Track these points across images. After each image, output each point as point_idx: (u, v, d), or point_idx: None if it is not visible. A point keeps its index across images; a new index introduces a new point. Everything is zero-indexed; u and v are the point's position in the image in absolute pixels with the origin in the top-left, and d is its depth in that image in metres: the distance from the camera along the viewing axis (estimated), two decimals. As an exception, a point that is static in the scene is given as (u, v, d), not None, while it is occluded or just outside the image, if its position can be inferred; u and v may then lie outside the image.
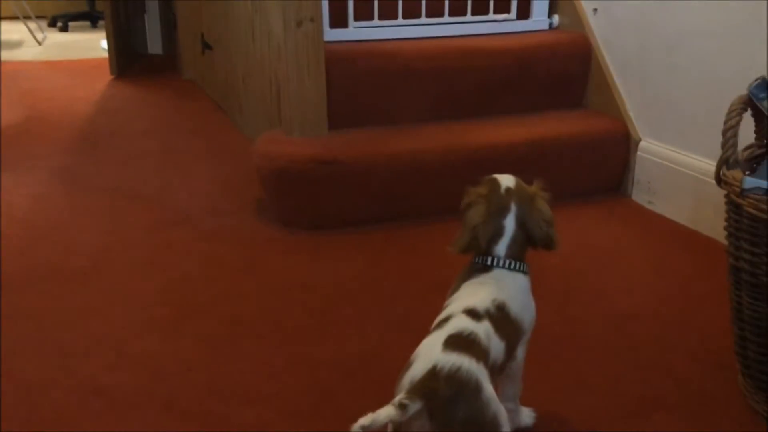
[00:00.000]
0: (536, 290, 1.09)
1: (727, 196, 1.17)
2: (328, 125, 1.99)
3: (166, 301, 1.53)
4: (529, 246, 1.09)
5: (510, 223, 1.07)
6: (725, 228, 1.20)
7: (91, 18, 5.82)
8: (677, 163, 1.96)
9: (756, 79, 1.21)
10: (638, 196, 2.11)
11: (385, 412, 0.85)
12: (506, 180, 1.12)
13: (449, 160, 1.96)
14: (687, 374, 1.30)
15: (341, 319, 1.47)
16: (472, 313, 0.99)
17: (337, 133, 1.98)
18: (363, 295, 1.56)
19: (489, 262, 1.06)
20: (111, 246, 1.77)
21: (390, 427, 0.92)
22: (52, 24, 5.69)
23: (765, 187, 1.04)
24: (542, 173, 2.02)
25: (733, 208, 1.15)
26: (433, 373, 0.89)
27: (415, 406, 0.86)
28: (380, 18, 2.19)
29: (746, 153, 1.25)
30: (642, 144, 2.09)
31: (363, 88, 2.05)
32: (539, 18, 2.36)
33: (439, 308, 1.04)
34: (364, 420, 0.83)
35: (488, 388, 0.92)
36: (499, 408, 0.92)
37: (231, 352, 1.35)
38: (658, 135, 2.04)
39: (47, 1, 5.87)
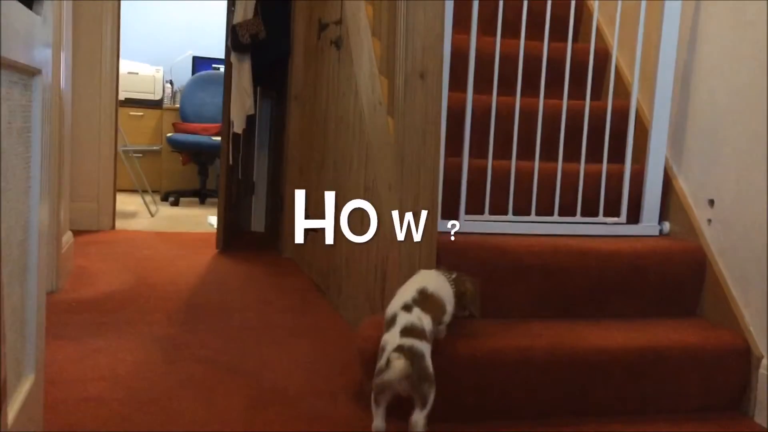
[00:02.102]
0: None
1: None
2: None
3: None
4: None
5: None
6: None
7: (200, 195, 6.23)
8: (808, 385, 1.82)
9: None
10: (762, 418, 1.95)
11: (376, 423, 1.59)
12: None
13: (556, 360, 1.89)
14: None
15: None
16: (407, 307, 1.64)
17: (443, 324, 1.96)
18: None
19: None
20: (209, 421, 1.74)
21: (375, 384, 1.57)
22: (164, 198, 6.11)
23: None
24: (654, 383, 1.95)
25: None
26: (400, 348, 1.55)
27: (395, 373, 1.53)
28: (490, 213, 2.23)
29: None
30: (765, 362, 1.96)
31: (471, 280, 2.05)
32: (649, 224, 2.35)
33: None
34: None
35: (428, 357, 1.57)
36: (431, 369, 1.57)
37: None
38: (784, 353, 1.92)
39: (162, 176, 6.35)
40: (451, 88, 2.19)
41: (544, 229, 2.26)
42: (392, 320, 1.63)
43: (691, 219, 2.27)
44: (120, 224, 4.52)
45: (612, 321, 2.10)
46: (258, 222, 4.73)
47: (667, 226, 2.36)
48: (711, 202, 2.20)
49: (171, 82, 6.78)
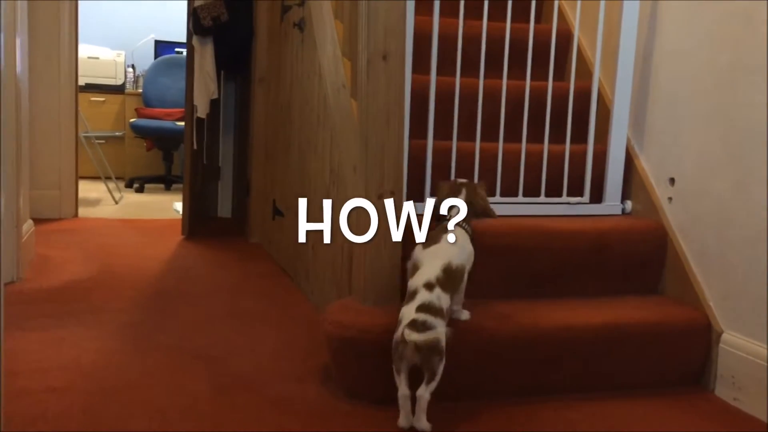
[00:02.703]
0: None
1: None
2: (402, 296, 1.97)
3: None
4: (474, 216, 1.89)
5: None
6: None
7: (165, 181, 6.15)
8: (764, 358, 1.86)
9: None
10: (722, 391, 1.99)
11: (401, 388, 1.63)
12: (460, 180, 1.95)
13: (522, 340, 1.91)
14: None
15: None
16: (429, 286, 1.68)
17: (409, 306, 1.96)
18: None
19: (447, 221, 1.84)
20: (176, 408, 1.72)
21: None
22: (129, 185, 6.03)
23: None
24: (618, 359, 1.98)
25: None
26: (414, 321, 1.61)
27: (414, 337, 1.60)
28: (456, 195, 2.24)
29: None
30: (724, 336, 2.00)
31: (437, 262, 2.05)
32: (612, 203, 2.38)
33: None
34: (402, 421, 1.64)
35: (441, 332, 1.64)
36: (443, 344, 1.63)
37: None
38: (742, 328, 1.96)
39: (126, 163, 6.26)
40: (414, 70, 2.19)
41: (509, 210, 2.26)
42: (413, 295, 1.69)
43: (652, 197, 2.30)
44: (83, 212, 4.45)
45: (576, 299, 2.12)
46: (224, 207, 4.69)
47: (629, 204, 2.39)
48: (672, 181, 2.23)
49: (133, 67, 6.67)
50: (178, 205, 4.50)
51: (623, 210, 2.39)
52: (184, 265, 3.28)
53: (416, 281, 1.72)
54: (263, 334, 2.34)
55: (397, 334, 1.64)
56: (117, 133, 6.19)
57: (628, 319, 2.03)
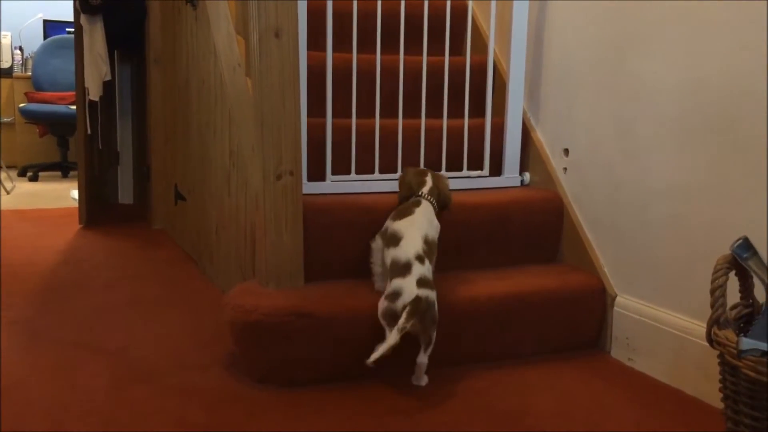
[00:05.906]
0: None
1: (720, 356, 1.14)
2: (304, 277, 1.96)
3: (127, 467, 1.41)
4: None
5: (429, 180, 1.98)
6: (721, 390, 1.16)
7: (61, 168, 5.88)
8: (655, 319, 1.95)
9: (738, 239, 1.23)
10: (617, 352, 2.08)
11: (393, 339, 1.62)
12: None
13: (427, 315, 1.93)
14: None
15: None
16: (420, 259, 1.76)
17: (313, 285, 1.95)
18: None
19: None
20: (70, 406, 1.65)
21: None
22: (21, 174, 5.73)
23: (763, 348, 1.02)
24: (520, 327, 2.03)
25: (729, 369, 1.12)
26: (418, 299, 1.68)
27: (408, 326, 1.64)
28: (357, 172, 2.23)
29: (734, 312, 1.24)
30: (618, 300, 2.09)
31: (339, 240, 2.04)
32: (511, 175, 2.43)
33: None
34: (376, 354, 1.63)
35: (436, 304, 1.74)
36: (437, 314, 1.75)
37: None
38: (634, 291, 2.05)
39: (17, 151, 5.94)
40: (311, 47, 2.15)
41: (410, 186, 2.27)
42: (406, 267, 1.75)
43: (548, 168, 2.35)
44: (-30, 204, 4.20)
45: (479, 271, 2.16)
46: (126, 193, 4.53)
47: (527, 176, 2.45)
48: (566, 152, 2.30)
49: (21, 49, 6.31)
50: (76, 193, 4.31)
51: (522, 182, 2.45)
52: (82, 256, 3.15)
53: (405, 252, 1.78)
54: (166, 322, 2.27)
55: (396, 305, 1.69)
56: (6, 120, 5.86)
57: (528, 288, 2.08)
